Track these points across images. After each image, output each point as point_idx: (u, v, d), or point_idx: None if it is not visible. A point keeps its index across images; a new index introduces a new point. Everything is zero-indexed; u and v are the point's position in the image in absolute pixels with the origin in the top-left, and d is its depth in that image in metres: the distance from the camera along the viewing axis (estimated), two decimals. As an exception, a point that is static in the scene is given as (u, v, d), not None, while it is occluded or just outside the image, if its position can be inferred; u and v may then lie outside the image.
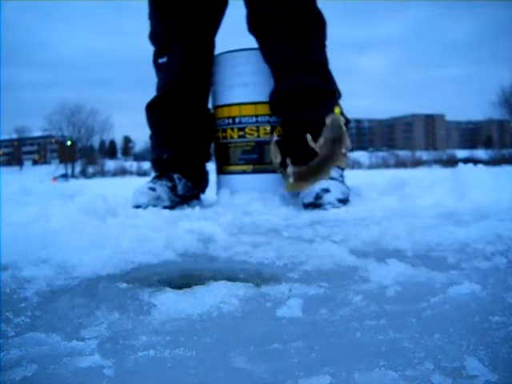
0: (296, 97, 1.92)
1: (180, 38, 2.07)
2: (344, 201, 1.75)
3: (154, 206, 1.86)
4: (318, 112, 1.84)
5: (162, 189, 1.94)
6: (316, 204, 1.71)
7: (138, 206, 1.86)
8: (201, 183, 2.21)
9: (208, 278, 0.76)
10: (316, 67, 1.95)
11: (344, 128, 0.90)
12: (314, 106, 1.90)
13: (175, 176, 2.05)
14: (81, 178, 41.64)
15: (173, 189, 2.00)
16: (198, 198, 2.19)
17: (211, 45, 2.17)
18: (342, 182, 1.90)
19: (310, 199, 1.73)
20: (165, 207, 1.87)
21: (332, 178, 1.81)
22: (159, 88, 2.16)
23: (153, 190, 1.92)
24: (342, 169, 1.94)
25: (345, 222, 1.34)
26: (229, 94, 2.05)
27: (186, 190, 2.07)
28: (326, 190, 1.72)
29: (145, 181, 2.02)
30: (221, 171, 2.10)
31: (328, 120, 0.89)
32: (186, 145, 2.13)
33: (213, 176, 2.20)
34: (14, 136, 67.01)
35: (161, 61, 2.12)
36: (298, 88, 1.92)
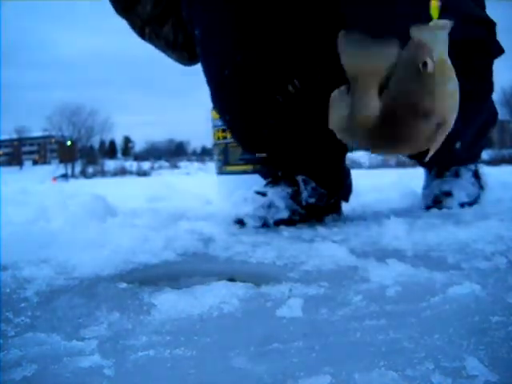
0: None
1: None
2: (471, 203, 1.45)
3: (264, 219, 1.28)
4: None
5: (276, 194, 1.32)
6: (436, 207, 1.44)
7: (238, 221, 1.28)
8: (340, 187, 1.46)
9: (208, 277, 0.76)
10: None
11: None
12: None
13: (299, 178, 1.38)
14: (81, 178, 41.70)
15: (294, 196, 1.35)
16: (337, 210, 1.45)
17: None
18: (473, 182, 1.51)
19: (428, 203, 1.47)
20: (280, 221, 1.28)
21: (458, 176, 1.50)
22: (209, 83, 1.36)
23: (262, 194, 1.32)
24: (475, 164, 1.54)
25: (345, 222, 1.34)
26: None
27: (315, 197, 1.38)
28: (447, 194, 1.43)
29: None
30: (220, 171, 2.10)
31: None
32: (304, 137, 1.35)
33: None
34: (14, 136, 67.07)
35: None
36: None
